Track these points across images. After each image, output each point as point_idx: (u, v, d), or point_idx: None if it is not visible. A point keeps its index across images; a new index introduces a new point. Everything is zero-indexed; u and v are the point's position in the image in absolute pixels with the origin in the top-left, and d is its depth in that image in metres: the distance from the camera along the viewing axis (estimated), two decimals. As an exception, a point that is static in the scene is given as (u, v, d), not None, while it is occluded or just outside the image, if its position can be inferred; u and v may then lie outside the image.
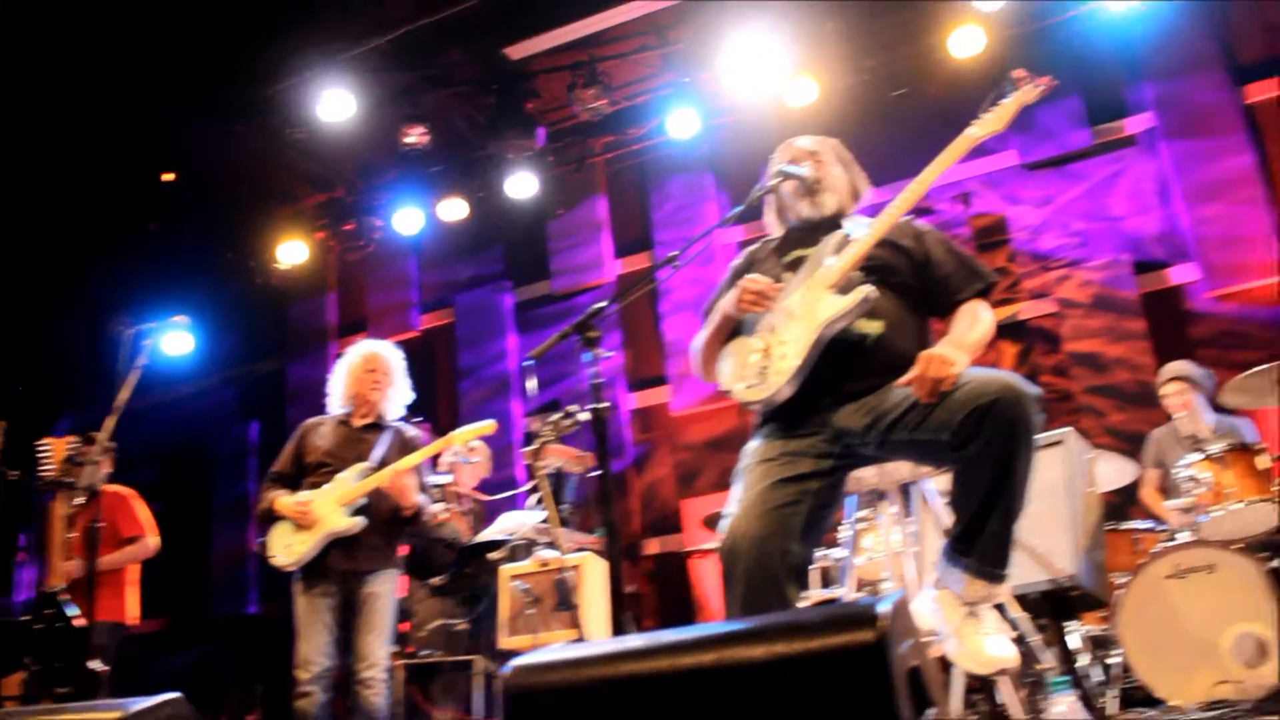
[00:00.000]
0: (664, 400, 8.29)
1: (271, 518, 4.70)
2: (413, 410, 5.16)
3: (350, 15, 7.00)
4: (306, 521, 4.58)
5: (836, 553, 5.15)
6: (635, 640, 1.73)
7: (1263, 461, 4.63)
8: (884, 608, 1.58)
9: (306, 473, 4.78)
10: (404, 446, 4.86)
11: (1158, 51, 7.31)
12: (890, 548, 3.16)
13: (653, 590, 8.07)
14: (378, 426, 4.90)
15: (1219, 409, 5.53)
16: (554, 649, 1.81)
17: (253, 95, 7.60)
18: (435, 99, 7.98)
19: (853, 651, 1.56)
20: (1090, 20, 7.20)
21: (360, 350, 5.06)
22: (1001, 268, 7.49)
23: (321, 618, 4.54)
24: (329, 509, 4.59)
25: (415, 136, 7.87)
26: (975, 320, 2.94)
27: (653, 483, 8.25)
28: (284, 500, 4.66)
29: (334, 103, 7.35)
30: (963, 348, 2.76)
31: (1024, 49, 7.19)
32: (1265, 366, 4.61)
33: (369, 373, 4.93)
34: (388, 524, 4.73)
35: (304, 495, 4.64)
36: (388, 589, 4.68)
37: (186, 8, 6.64)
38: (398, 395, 5.02)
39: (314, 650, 4.48)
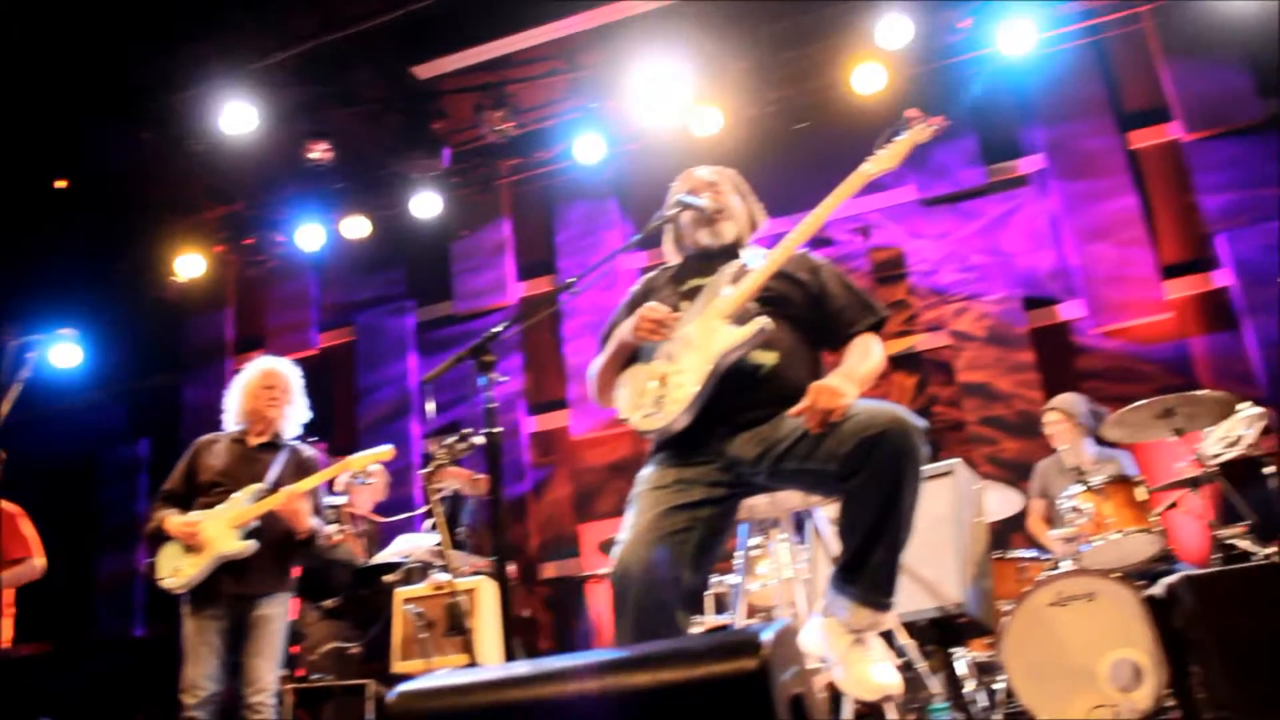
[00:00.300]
0: (564, 424, 8.29)
1: (160, 538, 4.57)
2: (309, 430, 5.09)
3: (255, 28, 6.89)
4: (196, 543, 4.47)
5: (732, 578, 5.19)
6: (521, 667, 1.74)
7: (1141, 493, 4.78)
8: (767, 636, 1.61)
9: (199, 492, 4.66)
10: (300, 467, 4.78)
11: (1050, 97, 7.60)
12: (782, 575, 3.20)
13: (549, 615, 8.04)
14: (274, 446, 4.81)
15: (1101, 442, 5.70)
16: (439, 675, 1.80)
17: (153, 103, 7.44)
18: (340, 116, 7.91)
19: (736, 679, 1.58)
20: (987, 64, 7.45)
21: (258, 366, 4.96)
22: (900, 300, 7.67)
23: (210, 641, 4.43)
24: (220, 531, 4.48)
25: (319, 153, 7.79)
26: (867, 353, 3.00)
27: (551, 506, 8.23)
28: (173, 520, 4.53)
29: (236, 115, 7.24)
30: (853, 380, 2.82)
31: (923, 88, 7.42)
32: (1143, 402, 4.76)
33: (266, 390, 4.84)
34: (280, 547, 4.63)
35: (194, 516, 4.53)
36: (279, 612, 4.59)
37: (87, 10, 6.48)
38: (295, 414, 4.93)
39: (201, 674, 4.37)
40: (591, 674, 1.65)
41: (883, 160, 3.08)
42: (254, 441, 4.80)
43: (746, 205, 3.32)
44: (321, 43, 6.93)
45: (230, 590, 4.48)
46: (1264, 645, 3.84)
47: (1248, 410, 4.90)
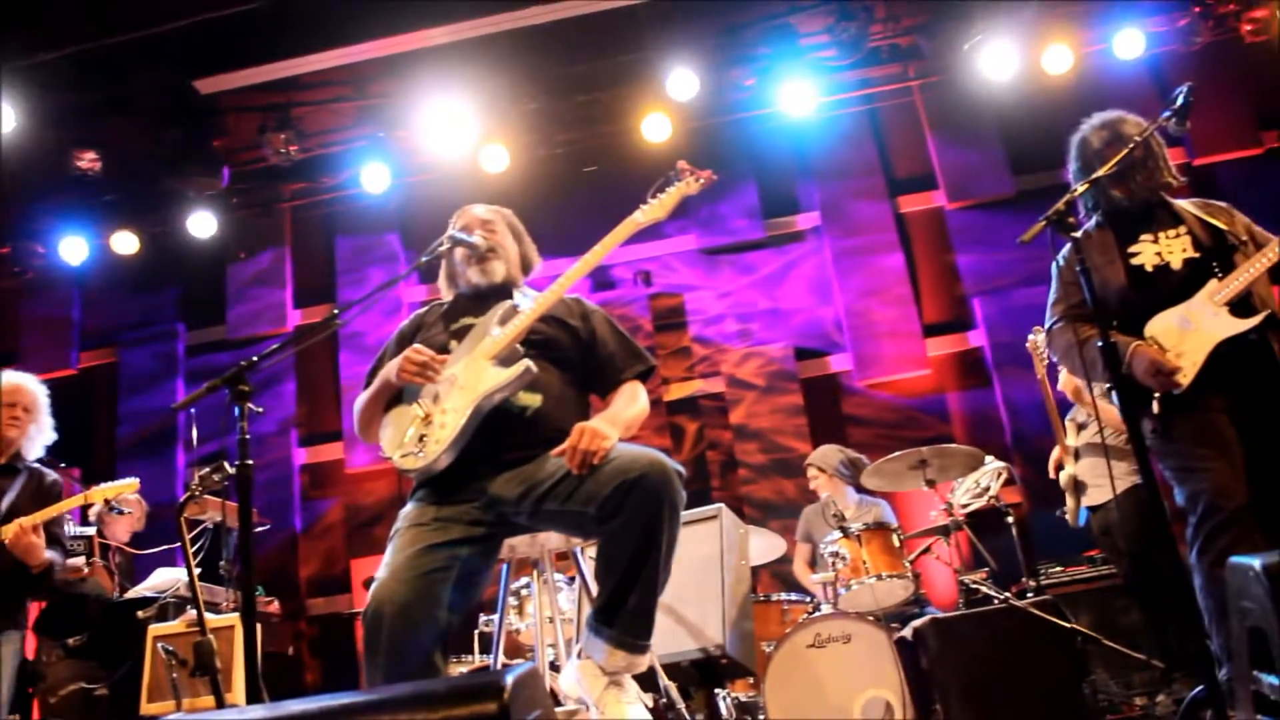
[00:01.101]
0: (339, 456, 8.10)
1: None
2: (64, 455, 4.77)
3: (19, 24, 6.49)
4: None
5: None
6: (256, 711, 1.68)
7: (896, 540, 5.03)
8: (509, 679, 1.61)
9: None
10: (39, 493, 4.47)
11: (826, 158, 8.00)
12: (540, 615, 3.20)
13: (317, 652, 7.79)
14: (12, 469, 4.48)
15: (863, 490, 5.96)
16: (173, 718, 1.73)
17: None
18: (114, 125, 7.52)
19: (476, 722, 1.58)
20: (768, 122, 7.76)
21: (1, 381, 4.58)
22: (681, 347, 7.85)
23: None
24: None
25: (87, 162, 7.38)
26: (633, 399, 3.06)
27: (322, 541, 8.00)
28: None
29: (-9, 113, 6.78)
30: (616, 423, 2.86)
31: (709, 140, 7.66)
32: (898, 454, 5.02)
33: (8, 407, 4.48)
34: (9, 581, 4.29)
35: None
36: (8, 652, 4.26)
37: None
38: (39, 435, 4.59)
39: None
40: (330, 718, 1.61)
41: (652, 210, 3.16)
42: None
43: (520, 247, 3.34)
44: (96, 46, 6.58)
45: None
46: (998, 683, 4.10)
47: (993, 463, 5.23)
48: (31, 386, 4.64)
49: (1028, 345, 5.37)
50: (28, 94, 6.87)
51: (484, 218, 3.29)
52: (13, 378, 4.65)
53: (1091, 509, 5.13)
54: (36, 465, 4.61)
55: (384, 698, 1.63)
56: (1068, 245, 3.28)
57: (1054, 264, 3.54)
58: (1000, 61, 7.07)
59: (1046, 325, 3.63)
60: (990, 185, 7.65)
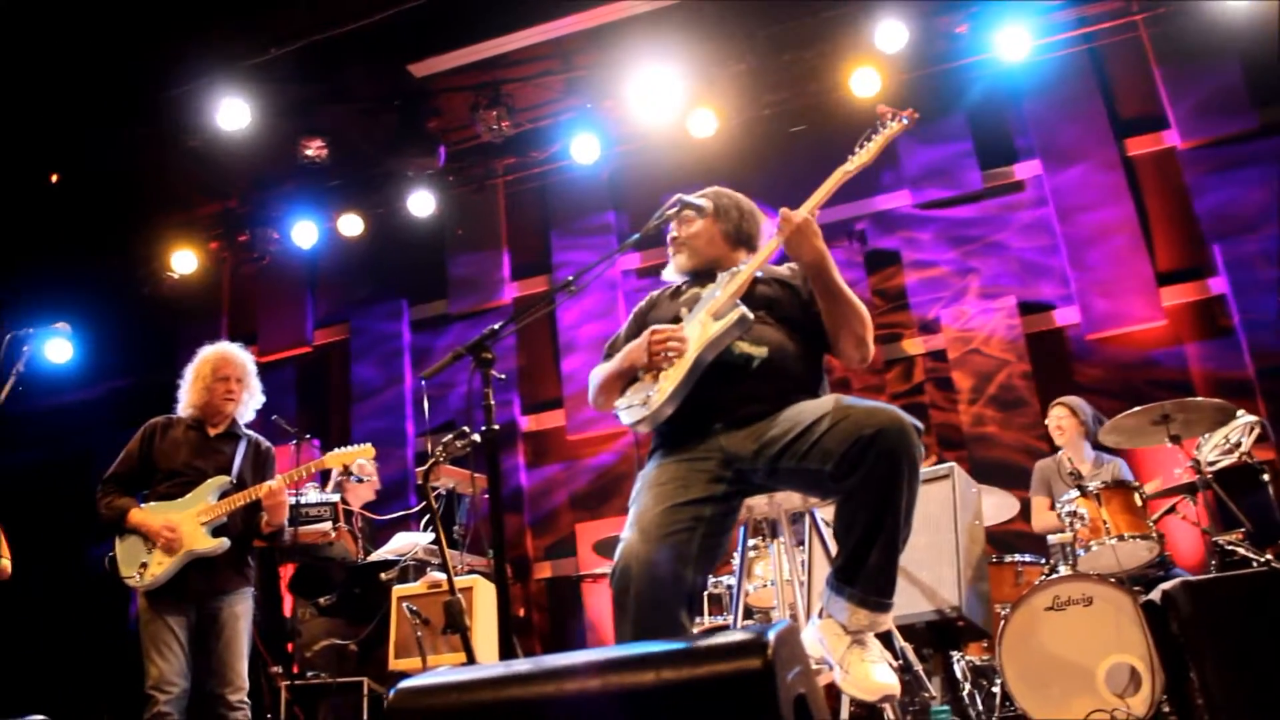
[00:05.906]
0: (560, 423, 8.28)
1: (118, 529, 4.42)
2: (304, 426, 5.03)
3: (249, 25, 6.86)
4: (173, 544, 4.36)
5: (728, 579, 5.18)
6: (521, 664, 1.72)
7: (1139, 499, 4.79)
8: (772, 635, 1.59)
9: (157, 480, 4.52)
10: (258, 459, 4.70)
11: (1045, 103, 7.60)
12: (780, 576, 3.18)
13: (545, 614, 8.03)
14: (232, 435, 4.69)
15: (1099, 447, 5.70)
16: (439, 672, 1.78)
17: (148, 99, 7.39)
18: (335, 113, 7.88)
19: (741, 678, 1.57)
20: (983, 69, 7.44)
21: (212, 359, 4.73)
22: (897, 304, 7.67)
23: (178, 638, 4.30)
24: (191, 527, 4.37)
25: (314, 150, 7.76)
26: None
27: (547, 506, 8.21)
28: (145, 517, 4.39)
29: (231, 111, 7.21)
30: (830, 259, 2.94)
31: (919, 92, 7.41)
32: (1140, 408, 4.76)
33: (221, 382, 4.66)
34: (242, 541, 4.55)
35: (167, 515, 4.39)
36: (245, 609, 4.50)
37: (83, 7, 6.44)
38: (251, 401, 4.78)
39: (172, 671, 4.25)
40: (594, 672, 1.64)
41: (860, 157, 3.10)
42: (213, 432, 4.66)
43: (741, 224, 3.29)
44: (316, 40, 6.89)
45: (199, 587, 4.38)
46: (1261, 651, 3.83)
47: (1244, 418, 4.90)
48: (239, 356, 4.78)
49: None
50: (258, 90, 7.27)
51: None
52: (220, 351, 4.77)
53: (1369, 460, 4.75)
54: (251, 432, 4.80)
55: (649, 653, 1.63)
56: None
57: None
58: (1238, -16, 6.56)
59: None
60: (1230, 120, 7.10)
